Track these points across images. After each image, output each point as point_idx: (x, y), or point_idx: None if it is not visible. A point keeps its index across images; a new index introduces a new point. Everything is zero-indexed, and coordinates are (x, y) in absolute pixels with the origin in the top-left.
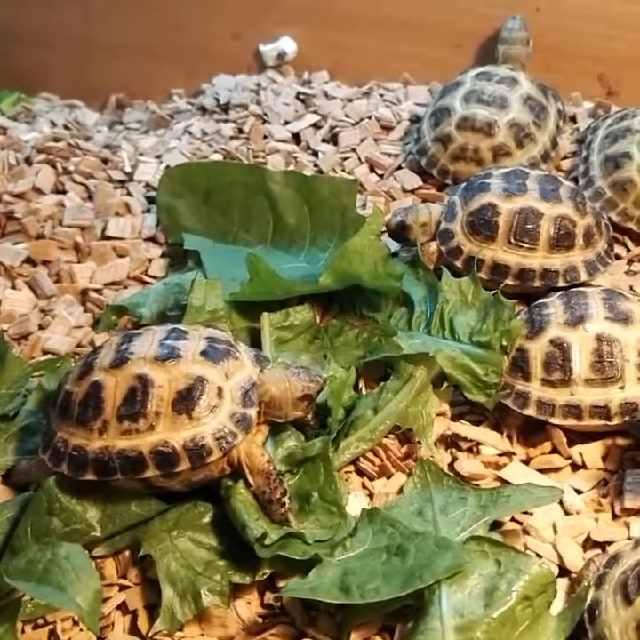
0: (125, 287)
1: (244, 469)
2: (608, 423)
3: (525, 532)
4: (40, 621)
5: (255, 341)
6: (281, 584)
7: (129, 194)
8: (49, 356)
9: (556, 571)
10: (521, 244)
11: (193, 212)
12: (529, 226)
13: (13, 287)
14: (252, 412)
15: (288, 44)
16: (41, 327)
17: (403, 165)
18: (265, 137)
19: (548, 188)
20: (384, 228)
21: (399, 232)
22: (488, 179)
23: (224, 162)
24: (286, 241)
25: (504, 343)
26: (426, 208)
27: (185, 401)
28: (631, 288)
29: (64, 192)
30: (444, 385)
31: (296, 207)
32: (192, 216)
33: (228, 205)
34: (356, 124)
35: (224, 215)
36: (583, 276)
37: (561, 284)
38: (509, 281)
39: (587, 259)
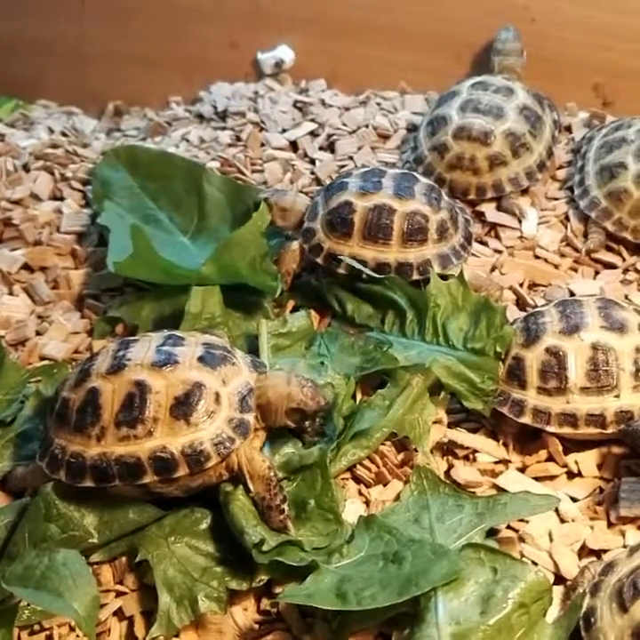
0: (122, 293)
1: (244, 475)
2: (604, 431)
3: (521, 539)
4: (36, 627)
5: (253, 348)
6: (277, 590)
7: None
8: (46, 362)
9: (551, 578)
10: (376, 239)
11: (126, 189)
12: (382, 222)
13: (11, 293)
14: (250, 417)
15: (286, 53)
16: (38, 333)
17: None
18: (262, 145)
19: (403, 185)
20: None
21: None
22: (347, 178)
23: (171, 154)
24: (204, 239)
25: (498, 349)
26: (292, 196)
27: (183, 407)
28: (626, 297)
29: (62, 199)
30: (442, 394)
31: (221, 211)
32: (124, 193)
33: (161, 193)
34: (354, 132)
35: (155, 201)
36: (436, 269)
37: (415, 277)
38: (367, 276)
39: (440, 252)
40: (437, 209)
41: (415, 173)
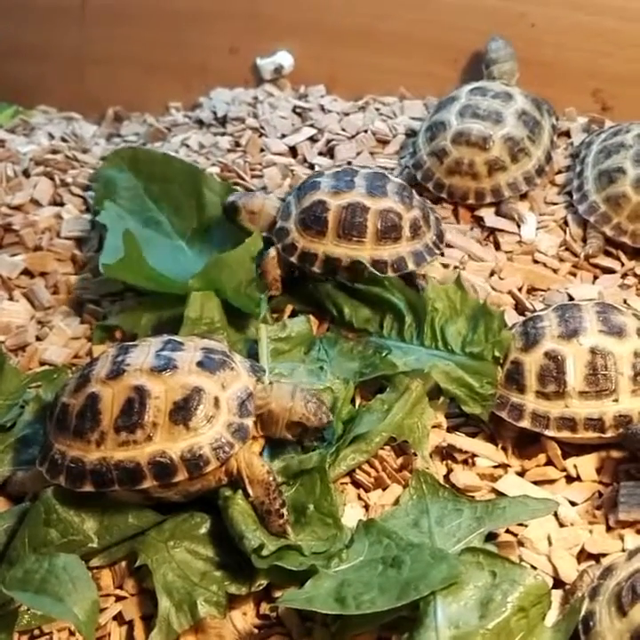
0: (122, 298)
1: (243, 479)
2: (602, 435)
3: (520, 543)
4: (36, 632)
5: (252, 353)
6: (277, 595)
7: None
8: (46, 368)
9: (550, 582)
10: (350, 237)
11: (129, 190)
12: (356, 220)
13: (11, 299)
14: (249, 421)
15: (285, 58)
16: (38, 338)
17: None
18: (262, 150)
19: (375, 183)
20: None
21: (229, 212)
22: (319, 177)
23: (172, 157)
24: (201, 244)
25: (496, 354)
26: (261, 199)
27: (182, 411)
28: (625, 301)
29: (62, 204)
30: (441, 399)
31: (218, 215)
32: (126, 194)
33: (162, 196)
34: (353, 137)
35: (156, 203)
36: (410, 266)
37: (389, 273)
38: (342, 274)
39: (414, 249)
40: (410, 207)
41: (386, 173)
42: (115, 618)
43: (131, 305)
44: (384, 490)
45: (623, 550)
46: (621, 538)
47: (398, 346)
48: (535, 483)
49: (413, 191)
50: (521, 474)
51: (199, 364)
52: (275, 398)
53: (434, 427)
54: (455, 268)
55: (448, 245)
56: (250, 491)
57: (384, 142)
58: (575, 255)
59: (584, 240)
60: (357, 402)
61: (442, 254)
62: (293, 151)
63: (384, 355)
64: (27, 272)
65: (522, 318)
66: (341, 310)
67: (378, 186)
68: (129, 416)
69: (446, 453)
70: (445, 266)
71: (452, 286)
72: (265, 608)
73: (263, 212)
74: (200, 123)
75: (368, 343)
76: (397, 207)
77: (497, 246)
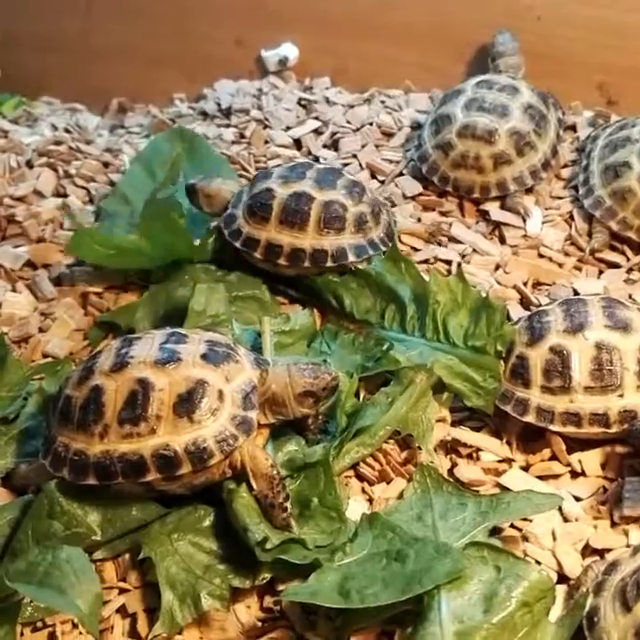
0: (126, 291)
1: (247, 473)
2: (607, 431)
3: (525, 538)
4: (39, 624)
5: (256, 346)
6: (280, 588)
7: None
8: (49, 360)
9: (554, 577)
10: (292, 224)
11: (168, 164)
12: (300, 208)
13: (14, 290)
14: (253, 414)
15: (290, 50)
16: (41, 330)
17: (404, 172)
18: (266, 142)
19: (326, 177)
20: None
21: (188, 193)
22: (275, 169)
23: (224, 159)
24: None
25: (499, 348)
26: (218, 184)
27: (186, 404)
28: (630, 296)
29: (65, 195)
30: (445, 394)
31: None
32: (165, 166)
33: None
34: (358, 130)
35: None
36: (351, 258)
37: (329, 264)
38: (282, 261)
39: (357, 243)
40: (358, 202)
41: (343, 170)
42: (118, 610)
43: (130, 299)
44: (388, 483)
45: (628, 545)
46: (626, 533)
47: (400, 338)
48: (540, 477)
49: (368, 189)
50: (525, 468)
51: (203, 356)
52: (273, 380)
53: (438, 420)
54: (459, 263)
55: (453, 239)
56: (253, 484)
57: (389, 135)
58: (580, 250)
59: (589, 234)
60: (361, 395)
61: (384, 252)
62: (298, 143)
63: (386, 349)
64: (30, 263)
65: (527, 313)
66: (342, 301)
67: (328, 179)
68: (133, 409)
69: (451, 447)
70: (449, 260)
71: (453, 278)
72: (269, 601)
73: (219, 197)
74: (204, 114)
75: (369, 335)
76: (344, 200)
77: (502, 240)
